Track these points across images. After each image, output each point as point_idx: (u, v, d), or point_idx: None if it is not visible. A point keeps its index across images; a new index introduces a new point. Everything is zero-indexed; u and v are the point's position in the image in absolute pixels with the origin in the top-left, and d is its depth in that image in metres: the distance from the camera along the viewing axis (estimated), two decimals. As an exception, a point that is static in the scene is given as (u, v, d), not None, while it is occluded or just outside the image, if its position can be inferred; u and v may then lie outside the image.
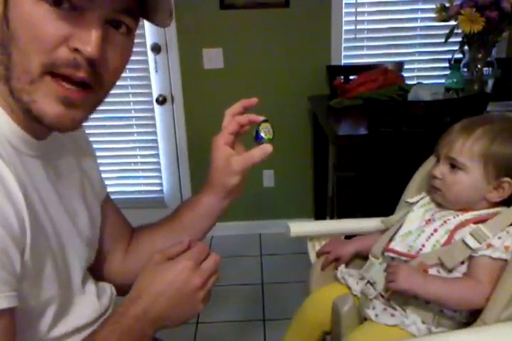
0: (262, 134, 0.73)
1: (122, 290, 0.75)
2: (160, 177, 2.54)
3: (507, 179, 0.90)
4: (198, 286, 0.63)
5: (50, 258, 0.61)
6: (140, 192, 2.58)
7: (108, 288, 0.78)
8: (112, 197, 2.44)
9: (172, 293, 0.62)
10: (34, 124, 0.56)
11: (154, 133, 2.44)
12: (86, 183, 0.75)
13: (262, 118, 0.76)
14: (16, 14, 0.51)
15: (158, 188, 2.57)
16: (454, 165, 0.93)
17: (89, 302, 0.72)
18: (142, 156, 2.52)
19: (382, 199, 1.45)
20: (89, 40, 0.51)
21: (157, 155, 2.49)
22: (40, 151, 0.61)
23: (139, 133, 2.46)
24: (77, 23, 0.51)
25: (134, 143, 2.48)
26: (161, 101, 2.38)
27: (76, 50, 0.52)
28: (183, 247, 0.66)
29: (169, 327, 0.64)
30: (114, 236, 0.82)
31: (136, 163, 2.53)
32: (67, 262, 0.67)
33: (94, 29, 0.52)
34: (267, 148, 0.74)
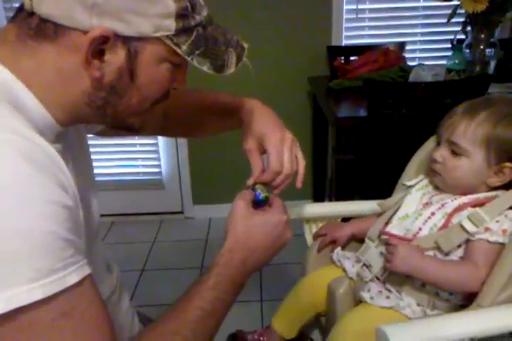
0: (259, 191, 0.77)
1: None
2: (158, 159, 2.53)
3: (508, 164, 0.89)
4: (289, 238, 0.72)
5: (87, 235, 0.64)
6: (138, 173, 2.57)
7: (114, 265, 0.81)
8: (111, 178, 2.47)
9: (268, 245, 0.70)
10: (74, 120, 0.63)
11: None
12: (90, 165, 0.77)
13: (250, 181, 0.80)
14: (145, 74, 0.59)
15: (156, 170, 2.56)
16: (455, 150, 0.92)
17: (104, 277, 0.76)
18: (140, 137, 2.50)
19: (382, 182, 1.44)
20: (185, 81, 0.66)
21: (155, 137, 2.48)
22: (62, 138, 0.63)
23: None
24: (177, 70, 0.63)
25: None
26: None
27: (173, 88, 0.65)
28: (251, 196, 0.75)
29: None
30: None
31: (134, 145, 2.51)
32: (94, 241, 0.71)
33: (186, 71, 0.65)
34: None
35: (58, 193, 0.51)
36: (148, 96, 0.62)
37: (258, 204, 0.76)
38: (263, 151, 0.84)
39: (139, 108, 0.63)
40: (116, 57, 0.56)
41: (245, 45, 0.65)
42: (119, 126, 0.66)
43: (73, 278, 0.51)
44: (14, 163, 0.48)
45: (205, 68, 0.61)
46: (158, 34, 0.56)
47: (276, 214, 0.72)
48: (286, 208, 0.74)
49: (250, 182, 0.79)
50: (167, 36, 0.57)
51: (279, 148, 0.82)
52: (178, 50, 0.58)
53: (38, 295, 0.47)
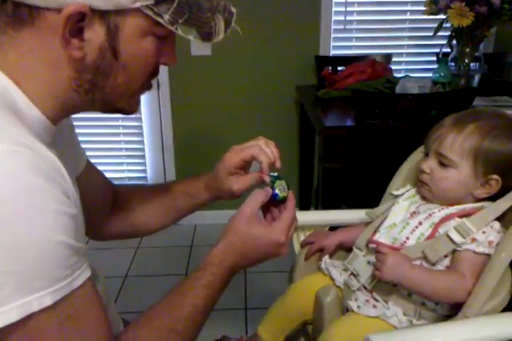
0: (277, 191, 0.78)
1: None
2: (144, 164, 2.52)
3: (495, 176, 0.90)
4: (281, 255, 0.75)
5: None
6: (123, 178, 2.56)
7: (99, 272, 0.80)
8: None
9: (257, 257, 0.74)
10: (66, 114, 0.63)
11: (139, 119, 2.41)
12: (75, 160, 0.78)
13: (266, 178, 0.80)
14: (129, 50, 0.57)
15: (142, 175, 2.54)
16: (443, 161, 0.93)
17: None
18: (126, 142, 2.50)
19: (368, 191, 1.45)
20: (174, 55, 0.63)
21: (142, 142, 2.47)
22: (54, 138, 0.62)
23: (123, 119, 2.42)
24: (164, 44, 0.60)
25: (118, 129, 2.45)
26: (147, 87, 2.35)
27: (164, 64, 0.63)
28: (267, 197, 0.76)
29: None
30: (101, 197, 0.89)
31: (120, 149, 2.50)
32: None
33: (174, 45, 0.62)
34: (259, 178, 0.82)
35: (65, 202, 0.51)
36: (135, 75, 0.60)
37: (274, 201, 0.78)
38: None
39: (128, 88, 0.61)
40: (95, 35, 0.54)
41: (234, 10, 0.63)
42: (110, 110, 0.63)
43: (78, 282, 0.52)
44: (21, 174, 0.48)
45: (191, 37, 0.58)
46: (137, 5, 0.53)
47: (276, 233, 0.74)
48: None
49: (266, 178, 0.80)
50: (147, 6, 0.54)
51: (239, 148, 0.86)
52: (161, 20, 0.55)
53: (48, 301, 0.48)
